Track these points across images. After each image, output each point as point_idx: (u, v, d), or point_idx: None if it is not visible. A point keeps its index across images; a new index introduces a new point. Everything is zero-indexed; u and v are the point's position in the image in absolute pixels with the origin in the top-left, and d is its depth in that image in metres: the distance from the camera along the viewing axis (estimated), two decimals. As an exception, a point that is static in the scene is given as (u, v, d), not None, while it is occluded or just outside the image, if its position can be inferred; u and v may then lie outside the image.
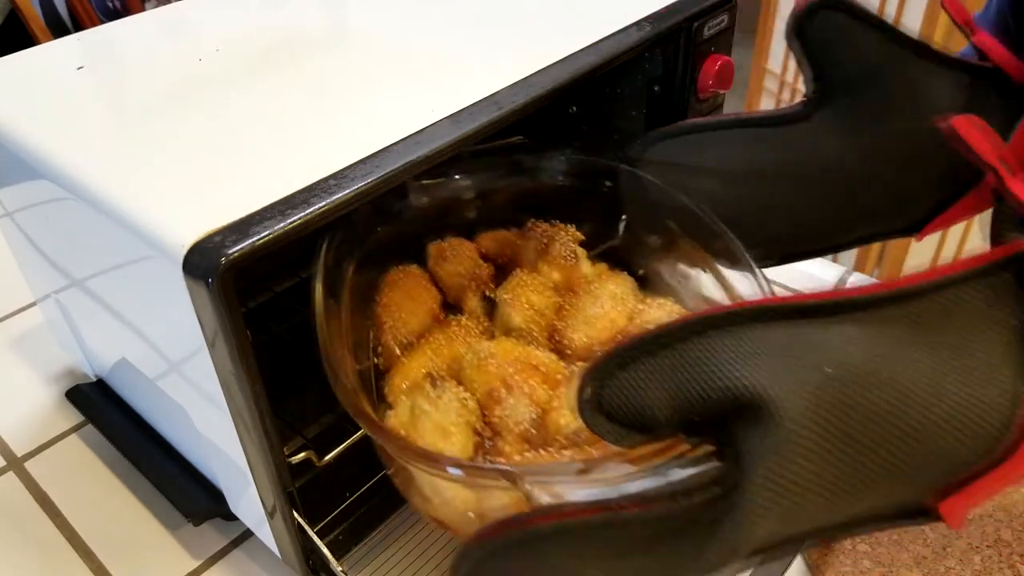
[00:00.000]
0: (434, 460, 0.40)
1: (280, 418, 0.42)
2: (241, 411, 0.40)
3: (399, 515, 0.55)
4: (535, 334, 0.50)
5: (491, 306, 0.53)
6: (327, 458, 0.50)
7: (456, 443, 0.44)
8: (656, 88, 0.57)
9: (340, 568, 0.47)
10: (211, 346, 0.38)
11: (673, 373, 0.28)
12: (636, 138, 0.60)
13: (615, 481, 0.36)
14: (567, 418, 0.43)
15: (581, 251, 0.55)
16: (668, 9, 0.53)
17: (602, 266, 0.55)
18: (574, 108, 0.64)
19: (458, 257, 0.55)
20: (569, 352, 0.49)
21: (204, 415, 0.46)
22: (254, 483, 0.44)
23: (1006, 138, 0.44)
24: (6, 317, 0.75)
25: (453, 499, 0.42)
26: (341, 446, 0.51)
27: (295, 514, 0.45)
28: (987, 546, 0.50)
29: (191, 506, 0.52)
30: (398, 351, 0.50)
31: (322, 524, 0.50)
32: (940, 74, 0.47)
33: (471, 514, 0.42)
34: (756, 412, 0.28)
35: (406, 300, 0.51)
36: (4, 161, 0.48)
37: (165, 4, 0.63)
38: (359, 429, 0.52)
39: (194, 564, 0.54)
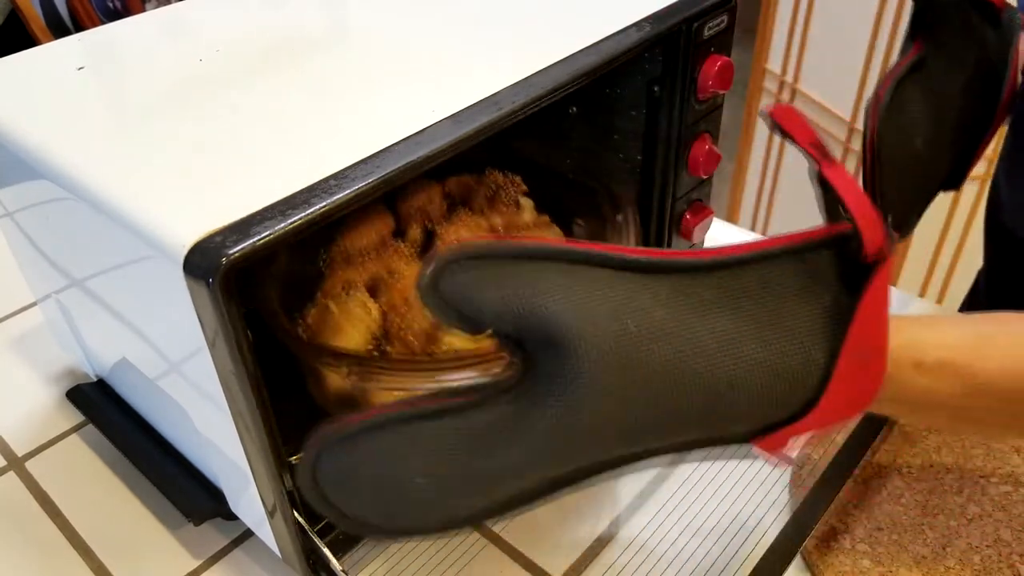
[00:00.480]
0: (299, 344, 0.50)
1: (280, 418, 0.42)
2: (241, 411, 0.40)
3: (399, 515, 0.55)
4: None
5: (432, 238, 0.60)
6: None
7: (348, 340, 0.50)
8: (656, 88, 0.57)
9: (340, 568, 0.47)
10: (211, 346, 0.38)
11: (505, 283, 0.32)
12: (636, 139, 0.61)
13: (422, 378, 0.45)
14: (450, 338, 0.50)
15: (527, 202, 0.62)
16: (668, 9, 0.53)
17: (544, 219, 0.62)
18: (574, 108, 0.64)
19: (416, 193, 0.61)
20: None
21: (204, 415, 0.46)
22: (254, 483, 0.44)
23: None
24: (6, 317, 0.75)
25: (327, 377, 0.49)
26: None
27: (295, 514, 0.45)
28: (987, 546, 0.50)
29: (191, 506, 0.52)
30: (340, 262, 0.57)
31: (322, 524, 0.50)
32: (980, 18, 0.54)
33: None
34: (561, 345, 0.31)
35: (359, 222, 0.58)
36: (5, 161, 0.48)
37: (165, 4, 0.63)
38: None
39: (194, 564, 0.54)
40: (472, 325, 0.32)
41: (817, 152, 0.34)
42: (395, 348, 0.52)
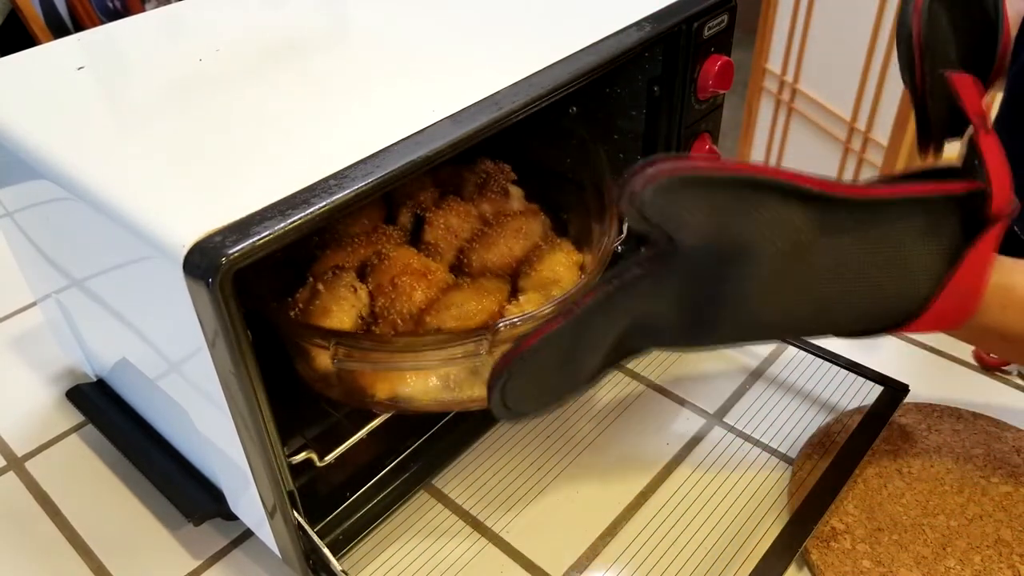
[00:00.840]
0: (288, 322, 0.51)
1: (281, 418, 0.42)
2: (241, 411, 0.40)
3: (399, 515, 0.55)
4: (442, 249, 0.59)
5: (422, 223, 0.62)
6: (328, 458, 0.50)
7: (335, 320, 0.52)
8: (656, 88, 0.57)
9: (340, 568, 0.47)
10: (211, 346, 0.38)
11: (705, 206, 0.38)
12: (636, 139, 0.61)
13: (405, 357, 0.48)
14: (435, 319, 0.52)
15: (516, 190, 0.64)
16: (668, 9, 0.54)
17: (533, 207, 0.63)
18: (574, 108, 0.64)
19: (408, 180, 0.62)
20: (467, 270, 0.58)
21: (204, 415, 0.46)
22: (254, 483, 0.44)
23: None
24: (6, 317, 0.75)
25: (316, 357, 0.51)
26: (342, 446, 0.51)
27: (295, 514, 0.45)
28: (987, 546, 0.50)
29: (191, 506, 0.52)
30: (332, 245, 0.59)
31: (322, 524, 0.50)
32: None
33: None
34: (736, 253, 0.39)
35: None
36: (5, 161, 0.48)
37: (165, 4, 0.63)
38: (360, 429, 0.52)
39: (194, 564, 0.54)
40: (657, 231, 0.38)
41: (979, 121, 0.41)
42: (381, 329, 0.53)
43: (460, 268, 0.58)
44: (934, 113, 0.56)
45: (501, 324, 0.46)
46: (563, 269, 0.56)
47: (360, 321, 0.53)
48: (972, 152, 0.41)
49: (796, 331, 0.44)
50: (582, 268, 0.57)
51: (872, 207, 0.40)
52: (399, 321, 0.52)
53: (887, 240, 0.40)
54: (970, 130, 0.42)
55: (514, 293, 0.56)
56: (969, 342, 0.65)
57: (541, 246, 0.59)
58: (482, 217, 0.61)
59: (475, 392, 0.51)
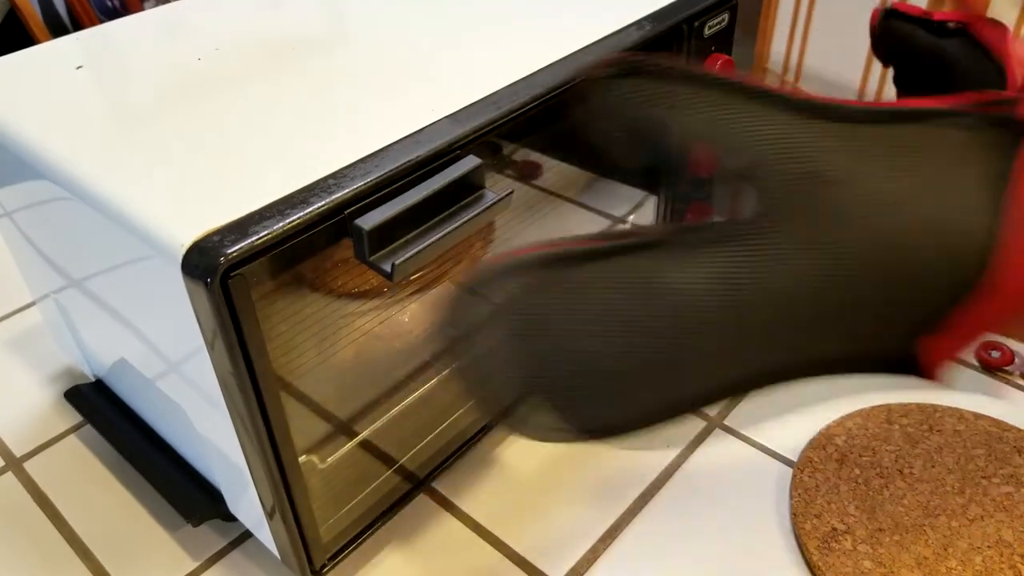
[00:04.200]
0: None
1: (280, 418, 0.42)
2: (240, 411, 0.40)
3: (399, 517, 0.55)
4: None
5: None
6: (329, 460, 0.50)
7: None
8: (656, 88, 0.57)
9: (340, 570, 0.47)
10: (210, 346, 0.38)
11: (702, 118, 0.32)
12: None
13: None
14: None
15: None
16: (669, 8, 0.53)
17: None
18: (574, 108, 0.64)
19: None
20: None
21: (203, 416, 0.46)
22: (253, 484, 0.44)
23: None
24: (5, 317, 0.75)
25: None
26: (343, 448, 0.51)
27: (295, 515, 0.45)
28: (988, 547, 0.50)
29: (190, 507, 0.52)
30: None
31: (322, 525, 0.50)
32: None
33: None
34: (750, 178, 0.31)
35: None
36: (3, 160, 0.48)
37: (164, 3, 0.63)
38: (361, 431, 0.52)
39: (193, 565, 0.54)
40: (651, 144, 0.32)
41: (964, 9, 0.35)
42: None
43: None
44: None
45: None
46: None
47: None
48: (965, 54, 0.36)
49: (866, 318, 0.33)
50: None
51: (895, 127, 0.32)
52: None
53: (927, 166, 0.32)
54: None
55: None
56: None
57: None
58: None
59: None
